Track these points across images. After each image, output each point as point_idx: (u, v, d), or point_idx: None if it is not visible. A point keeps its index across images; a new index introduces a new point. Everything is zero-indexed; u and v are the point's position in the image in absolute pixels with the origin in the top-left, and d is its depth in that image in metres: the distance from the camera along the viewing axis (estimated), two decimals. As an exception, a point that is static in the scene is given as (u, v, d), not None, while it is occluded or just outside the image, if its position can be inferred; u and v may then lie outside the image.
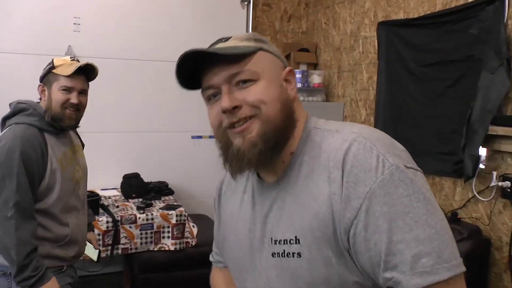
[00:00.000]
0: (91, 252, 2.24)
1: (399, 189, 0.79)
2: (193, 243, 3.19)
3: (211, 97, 0.94)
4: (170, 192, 3.70)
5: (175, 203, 3.37)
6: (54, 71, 1.82)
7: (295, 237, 0.89)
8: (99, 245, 2.83)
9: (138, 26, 3.82)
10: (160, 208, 3.23)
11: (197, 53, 0.88)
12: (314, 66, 4.22)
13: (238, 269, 1.06)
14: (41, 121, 1.81)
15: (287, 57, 4.20)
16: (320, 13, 4.23)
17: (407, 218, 0.77)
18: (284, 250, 0.90)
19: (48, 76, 1.84)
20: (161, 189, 3.64)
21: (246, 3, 4.12)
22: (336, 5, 3.97)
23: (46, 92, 1.83)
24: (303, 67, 4.10)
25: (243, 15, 4.15)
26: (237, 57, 0.89)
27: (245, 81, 0.90)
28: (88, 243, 2.14)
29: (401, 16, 3.24)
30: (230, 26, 4.09)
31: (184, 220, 3.18)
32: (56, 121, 1.81)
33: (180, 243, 3.16)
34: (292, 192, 0.92)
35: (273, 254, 0.93)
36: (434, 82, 2.95)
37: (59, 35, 3.60)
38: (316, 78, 3.92)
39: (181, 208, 3.22)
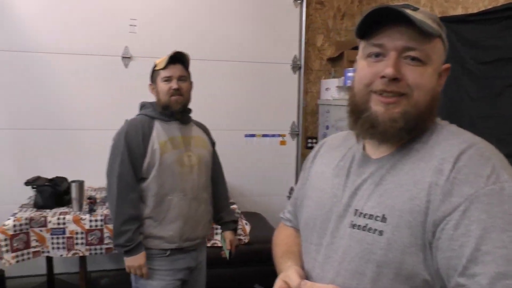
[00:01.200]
0: (224, 249, 2.41)
1: (505, 205, 0.77)
2: (246, 241, 3.24)
3: (372, 55, 0.93)
4: (224, 190, 3.78)
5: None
6: (156, 68, 2.11)
7: (383, 215, 0.88)
8: None
9: (192, 27, 3.94)
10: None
11: (392, 10, 0.87)
12: (368, 64, 4.16)
13: (309, 228, 1.06)
14: (153, 111, 2.12)
15: (340, 56, 4.17)
16: (374, 10, 4.17)
17: (504, 235, 0.75)
18: (366, 224, 0.90)
19: (153, 75, 2.14)
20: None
21: (299, 1, 4.13)
22: (391, 1, 3.90)
23: (155, 88, 2.13)
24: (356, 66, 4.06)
25: (296, 14, 4.16)
26: (421, 33, 0.88)
27: (414, 59, 0.89)
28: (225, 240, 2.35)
29: (459, 11, 3.15)
30: (283, 25, 4.13)
31: (237, 218, 3.24)
32: (166, 108, 2.09)
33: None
34: (393, 173, 0.92)
35: (353, 225, 0.93)
36: (493, 80, 2.85)
37: (116, 37, 3.78)
38: (369, 76, 3.87)
39: (234, 206, 3.28)
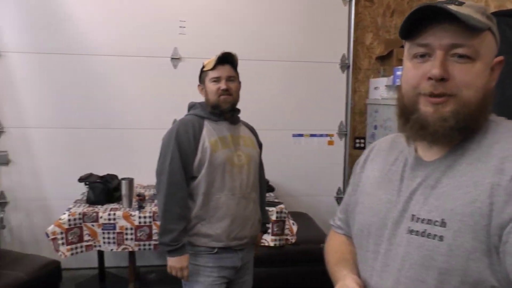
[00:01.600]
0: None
1: None
2: (293, 241, 3.23)
3: (418, 56, 0.91)
4: (271, 189, 3.78)
5: (275, 200, 3.44)
6: (204, 69, 2.13)
7: (442, 219, 0.85)
8: None
9: (240, 27, 3.97)
10: (261, 205, 3.31)
11: (435, 8, 0.85)
12: (418, 62, 4.04)
13: (364, 235, 1.03)
14: (202, 111, 2.15)
15: (390, 54, 4.08)
16: (426, 6, 4.04)
17: None
18: (425, 230, 0.87)
19: (201, 76, 2.17)
20: (261, 186, 3.74)
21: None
22: (441, -3, 3.76)
23: (204, 89, 2.15)
24: (407, 64, 3.96)
25: (344, 12, 4.11)
26: (467, 28, 0.84)
27: (462, 56, 0.86)
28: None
29: (516, 5, 3.00)
30: (332, 23, 4.09)
31: (284, 217, 3.24)
32: (216, 108, 2.11)
33: (279, 240, 3.22)
34: (450, 175, 0.88)
35: (410, 231, 0.90)
36: (555, 77, 2.69)
37: (165, 38, 3.87)
38: (420, 75, 3.76)
39: (282, 205, 3.27)
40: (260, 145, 2.37)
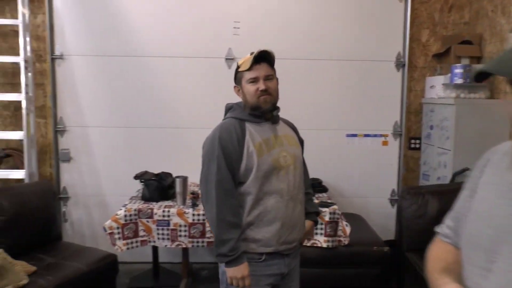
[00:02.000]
0: None
1: None
2: (346, 242, 3.19)
3: None
4: (324, 189, 3.74)
5: (328, 201, 3.40)
6: (240, 70, 2.04)
7: None
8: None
9: (293, 27, 3.96)
10: (313, 205, 3.29)
11: None
12: (478, 59, 3.88)
13: (472, 247, 0.95)
14: (242, 114, 2.06)
15: (447, 51, 3.94)
16: (486, 0, 3.88)
17: None
18: None
19: (237, 76, 2.08)
20: (314, 186, 3.69)
21: (404, -4, 3.99)
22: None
23: (241, 90, 2.07)
24: (465, 61, 3.81)
25: (400, 8, 4.00)
26: None
27: None
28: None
29: None
30: (387, 21, 4.01)
31: (337, 218, 3.19)
32: (256, 109, 2.02)
33: (332, 241, 3.19)
34: None
35: None
36: None
37: (220, 39, 3.93)
38: (480, 73, 3.60)
39: (335, 206, 3.23)
40: (301, 142, 2.26)
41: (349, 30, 3.99)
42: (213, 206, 1.93)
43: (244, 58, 2.03)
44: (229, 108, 2.16)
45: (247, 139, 1.98)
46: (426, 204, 3.22)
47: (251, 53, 2.02)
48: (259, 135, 2.01)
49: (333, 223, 3.18)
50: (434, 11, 4.09)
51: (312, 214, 2.24)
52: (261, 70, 2.00)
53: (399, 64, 4.05)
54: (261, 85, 1.98)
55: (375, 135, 4.12)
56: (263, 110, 2.02)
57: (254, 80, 1.99)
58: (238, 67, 2.06)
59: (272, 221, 1.98)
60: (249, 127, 2.02)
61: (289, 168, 2.04)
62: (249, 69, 1.99)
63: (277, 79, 2.09)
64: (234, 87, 2.11)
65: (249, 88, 2.00)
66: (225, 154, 1.94)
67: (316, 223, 2.29)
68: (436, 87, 3.84)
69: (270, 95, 2.01)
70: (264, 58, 2.01)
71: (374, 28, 4.00)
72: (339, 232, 3.20)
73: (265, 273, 2.02)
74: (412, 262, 3.08)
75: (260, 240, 1.98)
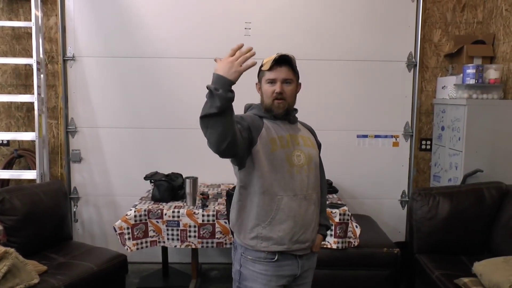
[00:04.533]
0: None
1: None
2: (355, 244, 3.17)
3: None
4: (334, 190, 3.72)
5: (338, 202, 3.38)
6: (262, 68, 2.05)
7: None
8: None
9: (304, 27, 3.96)
10: (322, 206, 3.27)
11: None
12: (490, 59, 3.84)
13: None
14: (259, 111, 2.08)
15: (459, 51, 3.90)
16: (500, -1, 3.82)
17: None
18: None
19: (259, 74, 2.09)
20: (324, 187, 3.69)
21: (416, -5, 3.96)
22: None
23: (260, 88, 2.09)
24: (477, 61, 3.77)
25: (412, 8, 3.98)
26: None
27: None
28: None
29: None
30: (398, 21, 3.98)
31: (347, 220, 3.18)
32: (268, 111, 2.04)
33: (342, 242, 3.17)
34: None
35: None
36: None
37: (231, 40, 3.89)
38: (492, 73, 3.56)
39: (345, 207, 3.22)
40: (319, 146, 2.26)
41: (360, 30, 3.97)
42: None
43: (269, 57, 2.04)
44: (248, 107, 2.20)
45: (263, 131, 1.99)
46: (437, 206, 3.19)
47: (277, 54, 2.03)
48: (275, 132, 2.02)
49: (343, 224, 3.16)
50: (446, 11, 4.05)
51: (322, 227, 2.21)
52: (281, 72, 2.01)
53: (411, 65, 4.02)
54: (278, 88, 1.99)
55: (386, 136, 4.10)
56: (275, 114, 2.04)
57: (272, 81, 2.01)
58: (261, 65, 2.07)
59: (285, 220, 1.97)
60: (267, 123, 2.04)
61: (303, 168, 2.03)
62: (270, 69, 2.01)
63: (298, 85, 2.09)
64: (256, 84, 2.13)
65: (267, 88, 2.03)
66: (248, 118, 1.97)
67: (324, 237, 2.24)
68: (448, 87, 3.81)
69: (284, 100, 2.01)
70: (286, 61, 2.02)
71: (385, 28, 3.97)
72: (349, 234, 3.18)
73: (276, 274, 2.00)
74: (423, 264, 3.05)
75: (273, 238, 1.97)
